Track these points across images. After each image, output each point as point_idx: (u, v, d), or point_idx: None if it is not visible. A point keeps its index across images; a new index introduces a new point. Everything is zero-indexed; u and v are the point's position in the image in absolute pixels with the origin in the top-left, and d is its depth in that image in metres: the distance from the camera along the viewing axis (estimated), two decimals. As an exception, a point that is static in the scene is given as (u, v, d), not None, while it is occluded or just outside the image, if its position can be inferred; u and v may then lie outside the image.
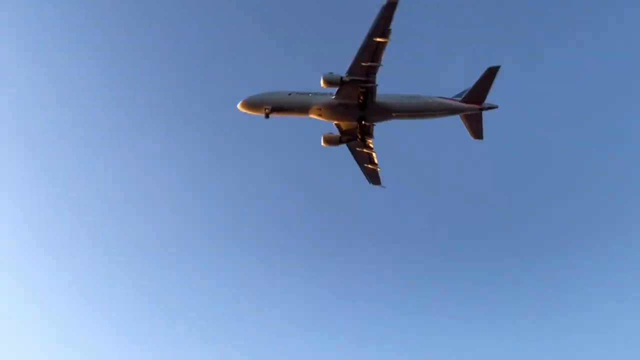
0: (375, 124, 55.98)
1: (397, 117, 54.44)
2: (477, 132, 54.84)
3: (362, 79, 52.25)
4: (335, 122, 57.16)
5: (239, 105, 57.99)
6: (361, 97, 52.45)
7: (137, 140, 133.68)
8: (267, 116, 55.66)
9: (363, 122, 55.34)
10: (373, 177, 59.05)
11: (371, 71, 51.67)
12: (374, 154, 57.85)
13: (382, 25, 47.83)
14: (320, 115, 56.36)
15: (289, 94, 56.59)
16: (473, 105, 52.59)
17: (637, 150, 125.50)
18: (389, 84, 55.10)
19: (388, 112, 54.03)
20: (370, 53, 50.12)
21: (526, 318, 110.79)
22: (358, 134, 55.99)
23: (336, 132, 58.34)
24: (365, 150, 57.86)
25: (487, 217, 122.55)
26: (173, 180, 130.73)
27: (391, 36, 48.72)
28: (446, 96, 54.85)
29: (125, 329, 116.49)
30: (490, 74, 52.51)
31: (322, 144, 57.82)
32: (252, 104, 57.13)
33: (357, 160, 58.17)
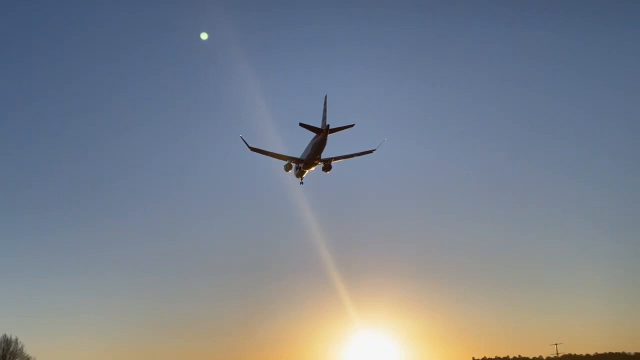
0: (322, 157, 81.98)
1: (319, 152, 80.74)
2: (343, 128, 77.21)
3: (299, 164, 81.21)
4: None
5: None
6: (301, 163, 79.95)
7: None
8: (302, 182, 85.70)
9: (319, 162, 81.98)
10: (363, 153, 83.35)
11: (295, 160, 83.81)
12: (345, 157, 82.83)
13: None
14: (309, 170, 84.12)
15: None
16: (323, 133, 75.39)
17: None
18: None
19: (316, 158, 79.99)
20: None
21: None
22: (330, 163, 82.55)
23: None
24: (339, 159, 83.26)
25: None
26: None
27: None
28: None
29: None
30: (303, 125, 74.63)
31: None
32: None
33: (347, 158, 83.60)
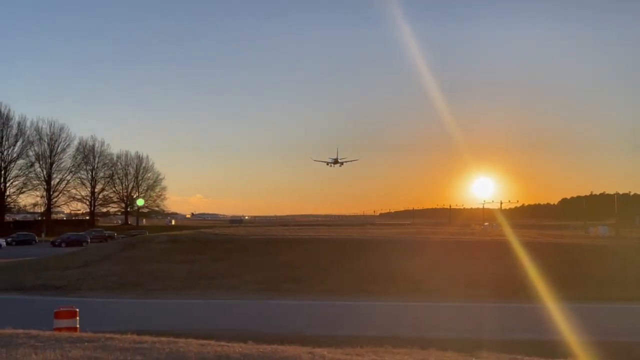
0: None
1: (337, 163, 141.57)
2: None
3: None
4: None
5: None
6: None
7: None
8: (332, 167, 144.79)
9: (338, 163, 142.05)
10: (353, 160, 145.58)
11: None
12: (348, 161, 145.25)
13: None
14: (334, 165, 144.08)
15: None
16: (335, 161, 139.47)
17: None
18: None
19: (336, 163, 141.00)
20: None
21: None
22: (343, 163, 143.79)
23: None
24: (347, 162, 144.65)
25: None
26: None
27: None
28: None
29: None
30: (330, 157, 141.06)
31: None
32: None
33: (349, 162, 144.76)
